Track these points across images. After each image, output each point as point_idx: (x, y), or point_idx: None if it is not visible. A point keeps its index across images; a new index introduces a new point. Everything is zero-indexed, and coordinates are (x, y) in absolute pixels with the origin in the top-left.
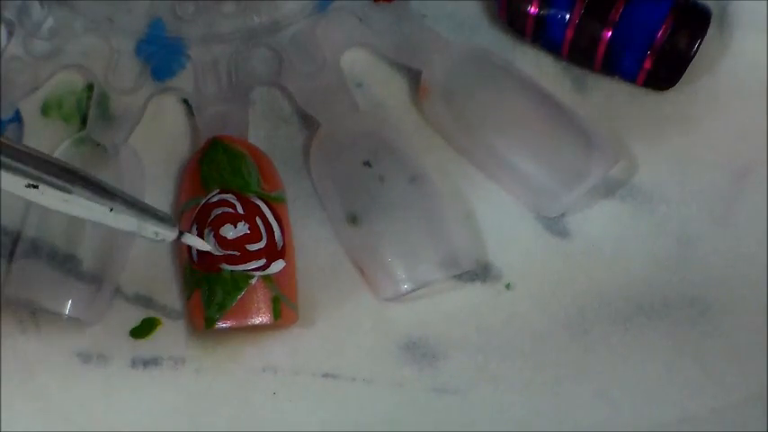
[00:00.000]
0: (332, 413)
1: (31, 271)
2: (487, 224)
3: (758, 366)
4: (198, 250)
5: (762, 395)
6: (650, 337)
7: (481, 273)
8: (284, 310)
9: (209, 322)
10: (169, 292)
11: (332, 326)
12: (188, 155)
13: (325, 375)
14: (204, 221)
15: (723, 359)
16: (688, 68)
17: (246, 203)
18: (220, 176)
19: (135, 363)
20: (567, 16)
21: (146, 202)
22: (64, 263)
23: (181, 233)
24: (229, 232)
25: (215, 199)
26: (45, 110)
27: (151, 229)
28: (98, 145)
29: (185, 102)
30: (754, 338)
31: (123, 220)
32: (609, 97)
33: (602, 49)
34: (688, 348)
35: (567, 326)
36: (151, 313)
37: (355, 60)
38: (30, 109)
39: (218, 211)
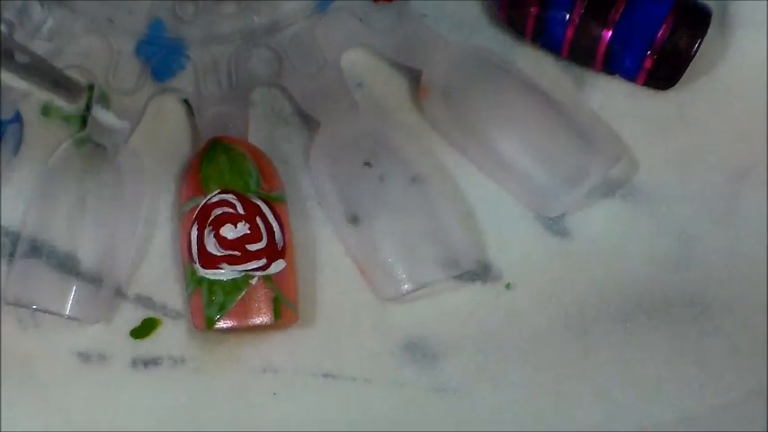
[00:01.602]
0: (332, 413)
1: (32, 271)
2: (487, 224)
3: (758, 365)
4: (198, 250)
5: (761, 394)
6: (650, 336)
7: (481, 273)
8: (284, 310)
9: (210, 322)
10: (169, 293)
11: (332, 326)
12: (188, 155)
13: (326, 375)
14: (204, 222)
15: (723, 358)
16: (688, 68)
17: (247, 203)
18: (220, 177)
19: (135, 363)
20: (568, 16)
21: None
22: (64, 263)
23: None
24: (230, 232)
25: (215, 199)
26: (45, 110)
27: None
28: (98, 145)
29: (185, 102)
30: (753, 338)
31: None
32: (609, 97)
33: (602, 48)
34: (688, 348)
35: (567, 326)
36: (151, 313)
37: (355, 60)
38: (30, 109)
39: (219, 211)
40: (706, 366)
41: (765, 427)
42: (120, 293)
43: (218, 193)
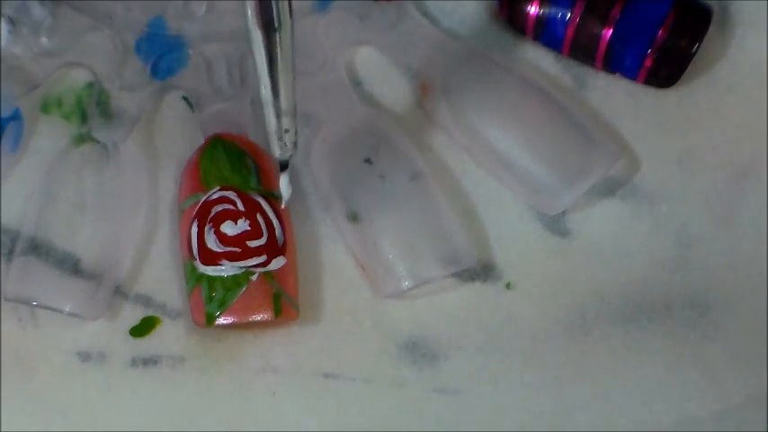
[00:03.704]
0: (332, 413)
1: (32, 268)
2: (488, 222)
3: (758, 368)
4: (198, 247)
5: (762, 397)
6: (650, 338)
7: (481, 272)
8: (285, 306)
9: (210, 318)
10: (169, 291)
11: (332, 325)
12: (188, 152)
13: (325, 375)
14: (205, 218)
15: (723, 361)
16: (688, 67)
17: (247, 200)
18: (221, 174)
19: (134, 361)
20: (568, 15)
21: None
22: (64, 260)
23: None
24: (230, 229)
25: (215, 196)
26: (45, 108)
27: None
28: (98, 143)
29: (185, 99)
30: (754, 340)
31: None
32: (609, 96)
33: (602, 47)
34: (688, 350)
35: (566, 326)
36: (150, 312)
37: (355, 59)
38: (30, 107)
39: (219, 207)
40: (706, 369)
41: (766, 429)
42: (119, 292)
43: (219, 189)
